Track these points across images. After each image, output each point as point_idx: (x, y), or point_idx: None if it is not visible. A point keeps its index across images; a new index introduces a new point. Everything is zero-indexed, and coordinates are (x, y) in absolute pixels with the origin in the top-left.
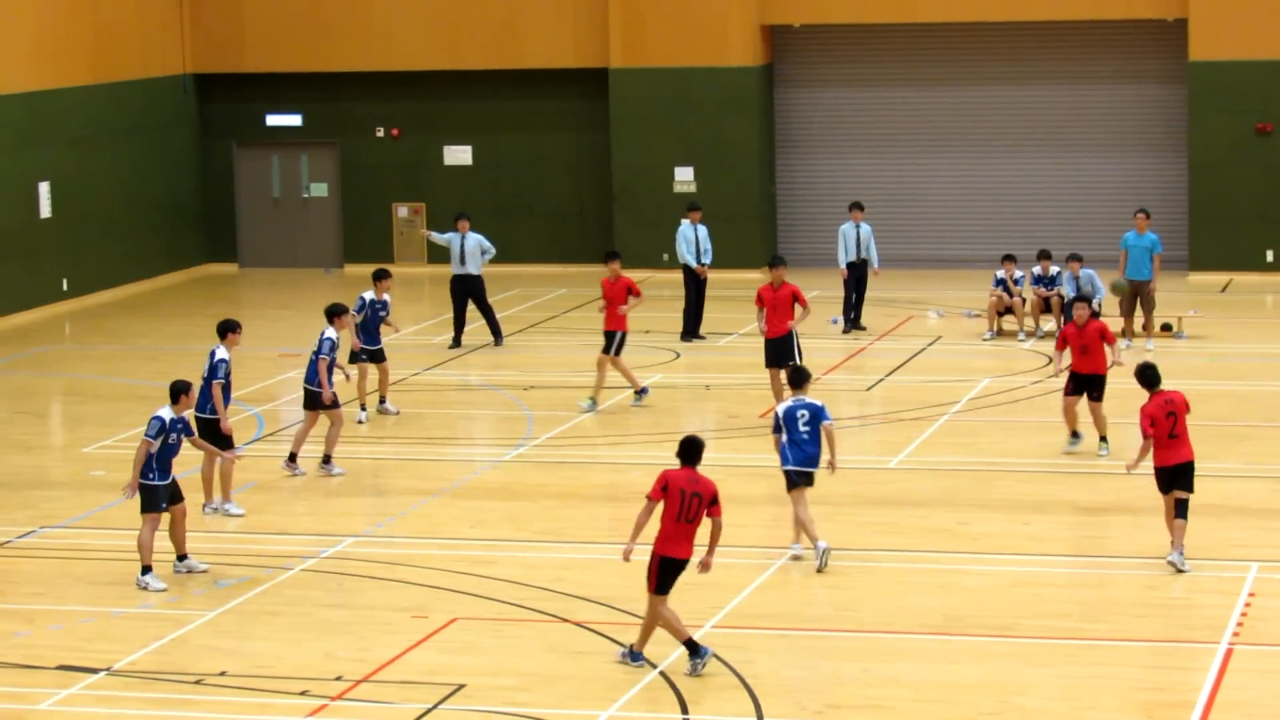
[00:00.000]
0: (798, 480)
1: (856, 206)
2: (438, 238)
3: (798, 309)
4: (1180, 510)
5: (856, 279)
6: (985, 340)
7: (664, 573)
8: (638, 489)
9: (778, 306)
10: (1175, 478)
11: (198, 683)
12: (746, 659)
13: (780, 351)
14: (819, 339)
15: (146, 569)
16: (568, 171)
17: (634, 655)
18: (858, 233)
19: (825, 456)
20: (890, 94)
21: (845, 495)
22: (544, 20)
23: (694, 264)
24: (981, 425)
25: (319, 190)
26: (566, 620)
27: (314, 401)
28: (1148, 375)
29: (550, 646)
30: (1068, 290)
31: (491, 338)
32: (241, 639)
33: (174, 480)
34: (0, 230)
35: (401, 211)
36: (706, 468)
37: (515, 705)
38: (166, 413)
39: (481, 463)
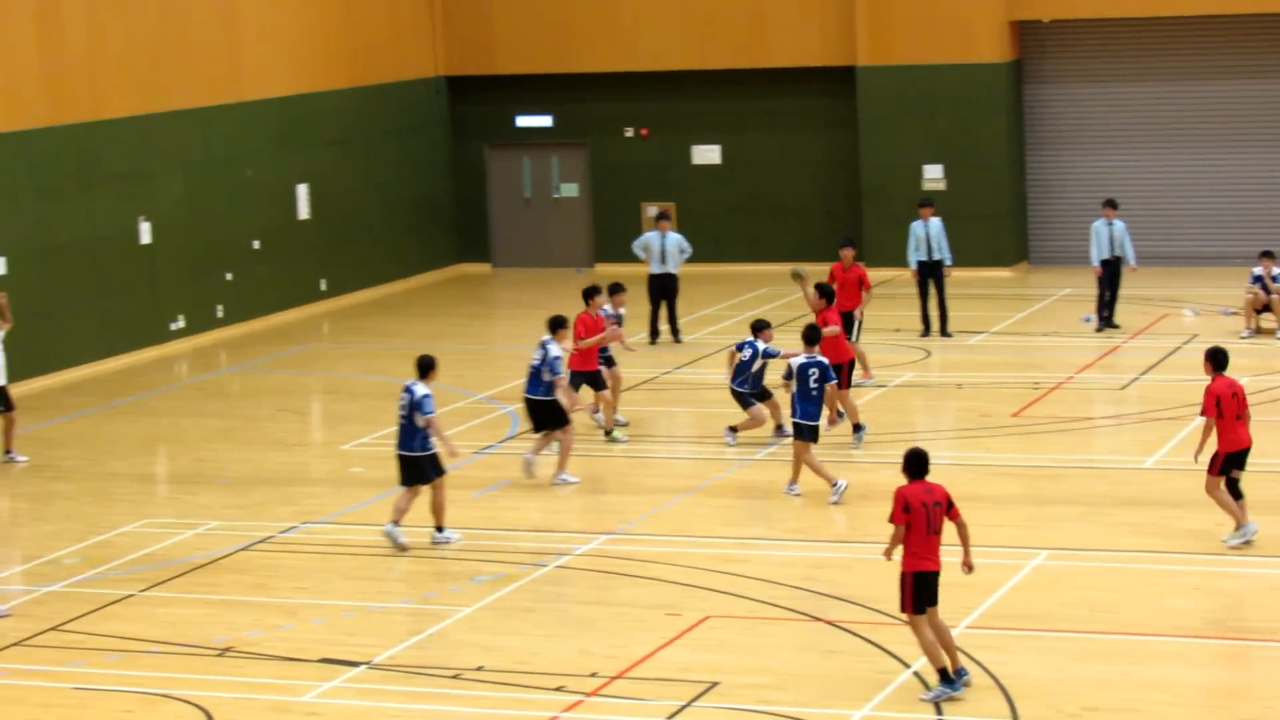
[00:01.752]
0: (807, 434)
1: (1109, 204)
2: (638, 248)
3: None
4: (1236, 489)
5: (1110, 276)
6: (1242, 338)
7: (919, 589)
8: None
9: (845, 285)
10: (1237, 460)
11: (455, 677)
12: (1001, 660)
13: (843, 327)
14: (1072, 337)
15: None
16: (815, 170)
17: (948, 681)
18: (1110, 230)
19: (825, 413)
20: (1141, 89)
21: (1100, 495)
22: (791, 19)
23: (913, 263)
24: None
25: (569, 190)
26: (819, 619)
27: (547, 417)
28: (1219, 358)
29: (803, 645)
30: None
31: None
32: (498, 634)
33: (435, 453)
34: (261, 231)
35: (650, 210)
36: (959, 467)
37: (768, 704)
38: (420, 388)
39: (733, 461)
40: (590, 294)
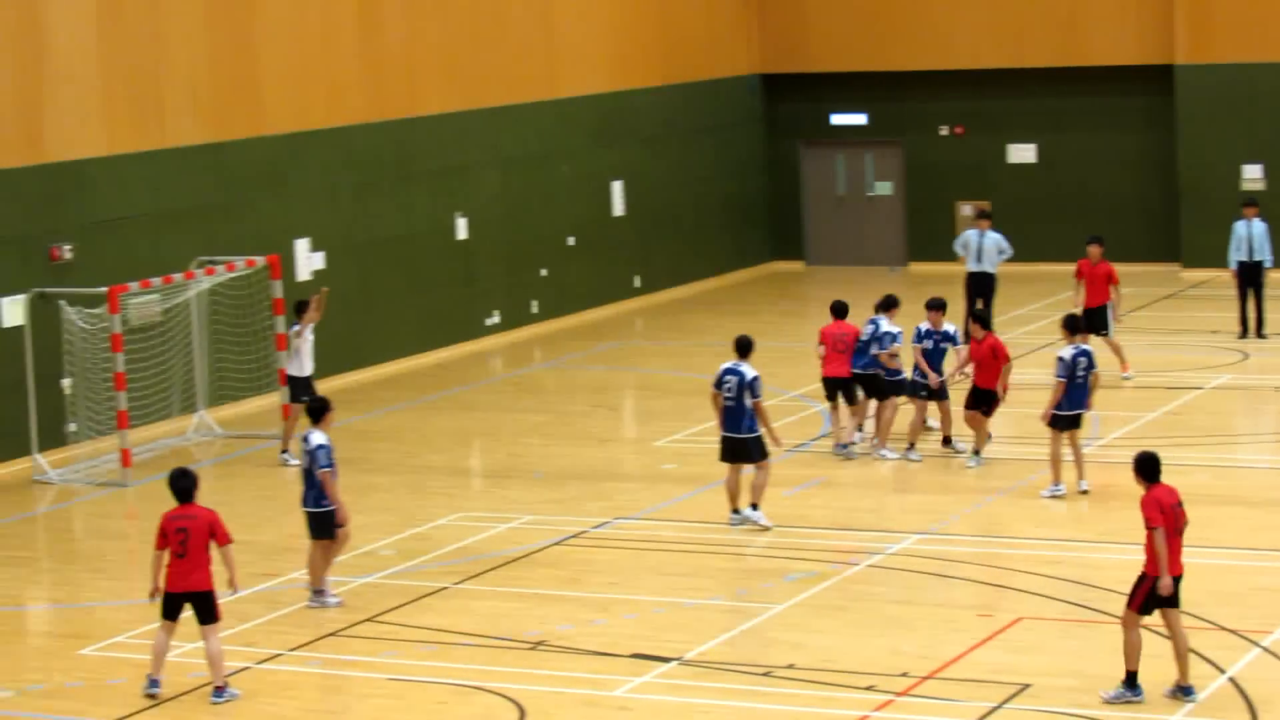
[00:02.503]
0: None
1: None
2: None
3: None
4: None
5: None
6: None
7: (1152, 593)
8: (1202, 491)
9: (1094, 281)
10: None
11: (766, 674)
12: None
13: (1095, 322)
14: None
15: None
16: (1130, 169)
17: (1132, 687)
18: None
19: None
20: None
21: None
22: (1108, 17)
23: (1233, 263)
24: None
25: (883, 188)
26: None
27: (870, 389)
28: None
29: (1116, 648)
30: None
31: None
32: (809, 632)
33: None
34: (576, 228)
35: (965, 209)
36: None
37: (1080, 707)
38: (749, 370)
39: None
40: (930, 305)
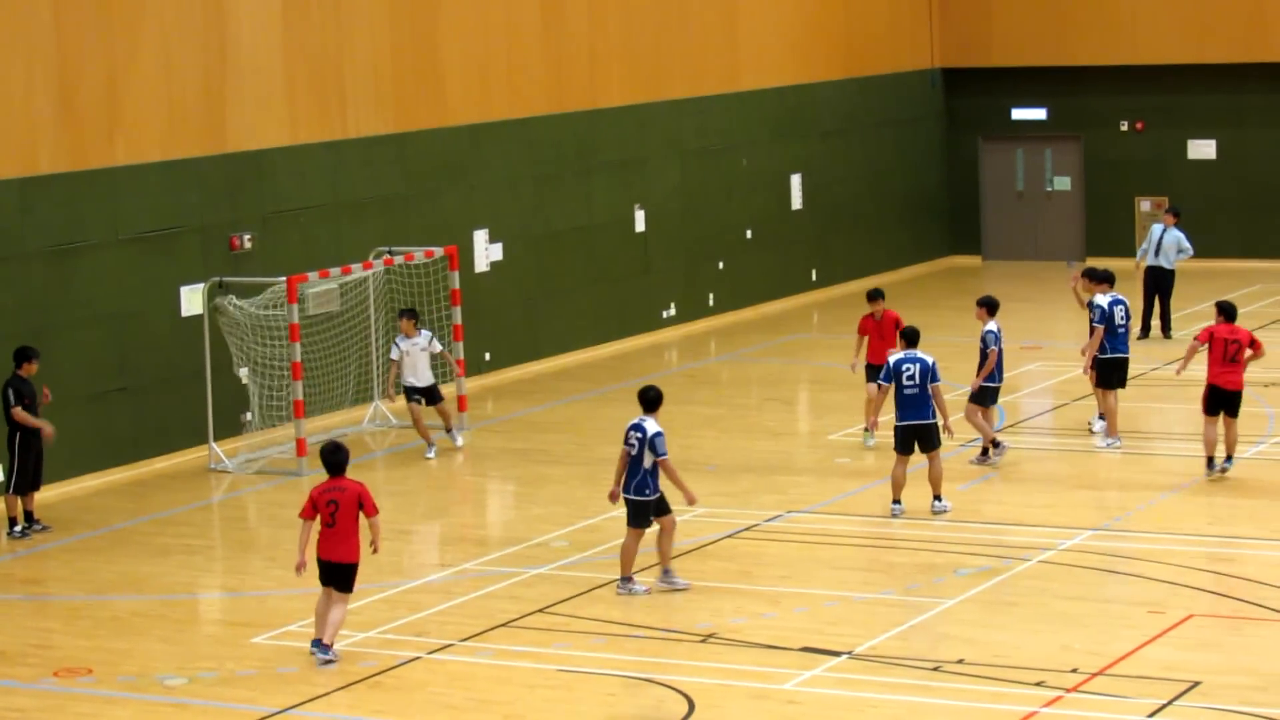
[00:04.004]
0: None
1: None
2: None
3: None
4: None
5: None
6: None
7: None
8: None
9: None
10: None
11: (936, 669)
12: None
13: None
14: None
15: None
16: None
17: None
18: None
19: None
20: None
21: None
22: None
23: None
24: None
25: (1062, 184)
26: None
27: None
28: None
29: None
30: None
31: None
32: (980, 628)
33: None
34: (756, 220)
35: (1144, 205)
36: None
37: (1252, 705)
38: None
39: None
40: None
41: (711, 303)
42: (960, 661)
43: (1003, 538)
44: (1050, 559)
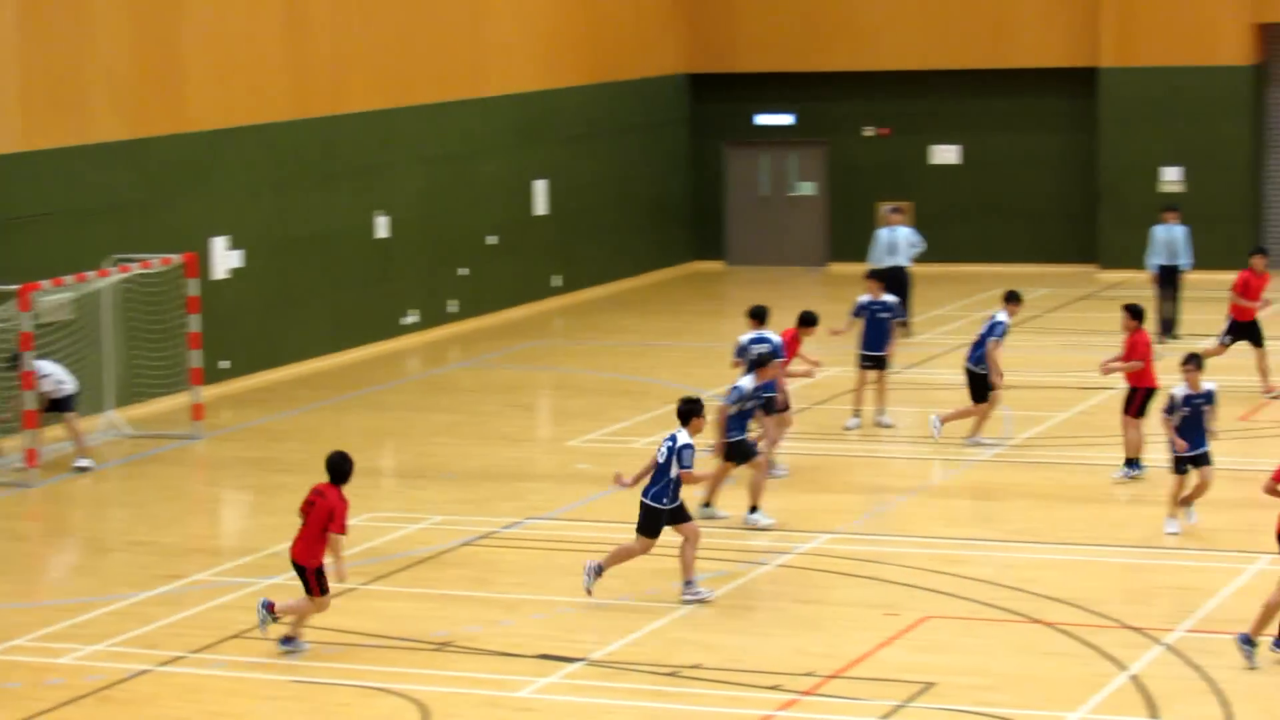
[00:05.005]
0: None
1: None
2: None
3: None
4: None
5: None
6: None
7: None
8: (1110, 491)
9: (1258, 292)
10: None
11: (672, 674)
12: (1218, 664)
13: (1251, 335)
14: None
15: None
16: (1051, 171)
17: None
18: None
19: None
20: None
21: None
22: (1034, 20)
23: (1153, 266)
24: None
25: (806, 189)
26: (1038, 621)
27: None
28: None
29: (1021, 647)
30: None
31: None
32: (717, 632)
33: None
34: (498, 227)
35: (886, 209)
36: None
37: (985, 705)
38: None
39: (958, 461)
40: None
41: (454, 309)
42: (696, 666)
43: (741, 543)
44: (788, 563)
